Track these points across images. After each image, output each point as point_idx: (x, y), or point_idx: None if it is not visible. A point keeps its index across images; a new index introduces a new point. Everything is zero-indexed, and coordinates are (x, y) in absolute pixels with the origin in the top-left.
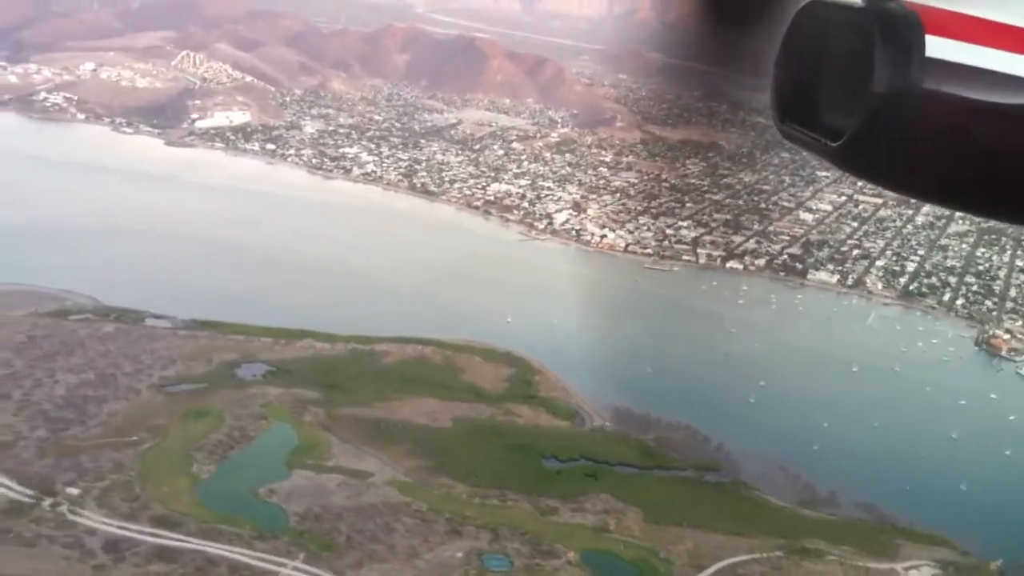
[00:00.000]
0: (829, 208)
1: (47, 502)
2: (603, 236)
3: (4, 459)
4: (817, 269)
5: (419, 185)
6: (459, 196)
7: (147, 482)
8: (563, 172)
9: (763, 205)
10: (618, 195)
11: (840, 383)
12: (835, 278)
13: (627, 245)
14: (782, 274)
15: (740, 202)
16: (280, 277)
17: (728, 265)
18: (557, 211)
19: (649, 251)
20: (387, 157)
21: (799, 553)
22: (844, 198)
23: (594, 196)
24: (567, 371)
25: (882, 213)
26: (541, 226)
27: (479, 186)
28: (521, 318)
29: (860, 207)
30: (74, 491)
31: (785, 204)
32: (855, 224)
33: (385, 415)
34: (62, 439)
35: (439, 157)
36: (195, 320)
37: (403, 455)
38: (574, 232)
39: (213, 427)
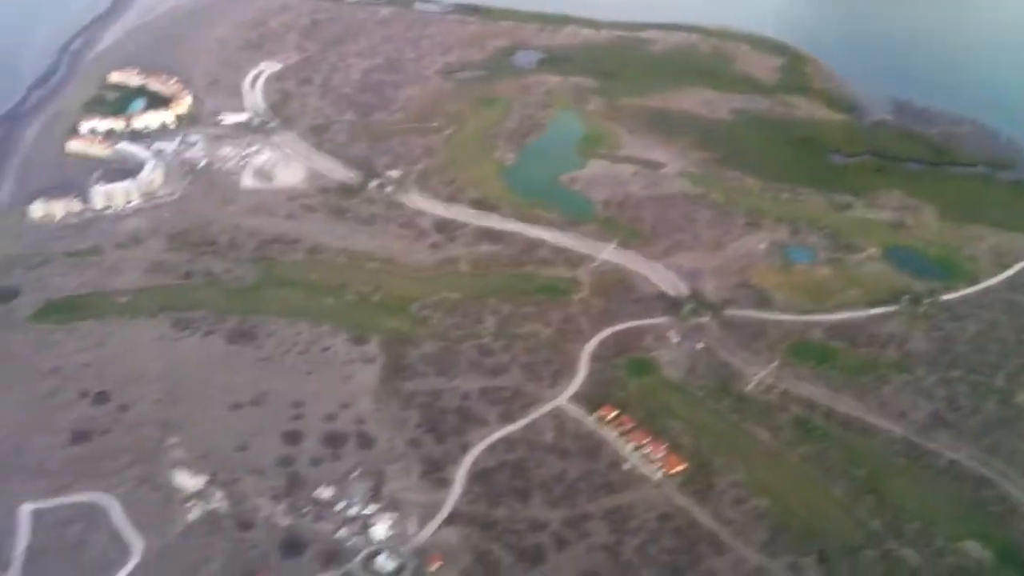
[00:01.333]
0: None
1: (373, 184)
2: None
3: (322, 142)
4: None
5: None
6: None
7: (458, 167)
8: None
9: None
10: None
11: None
12: None
13: None
14: None
15: None
16: None
17: None
18: None
19: None
20: None
21: None
22: None
23: None
24: (839, 61)
25: None
26: None
27: None
28: (782, 6)
29: None
30: (395, 174)
31: None
32: None
33: (663, 105)
34: (370, 123)
35: None
36: (462, 4)
37: (689, 146)
38: None
39: (504, 115)
